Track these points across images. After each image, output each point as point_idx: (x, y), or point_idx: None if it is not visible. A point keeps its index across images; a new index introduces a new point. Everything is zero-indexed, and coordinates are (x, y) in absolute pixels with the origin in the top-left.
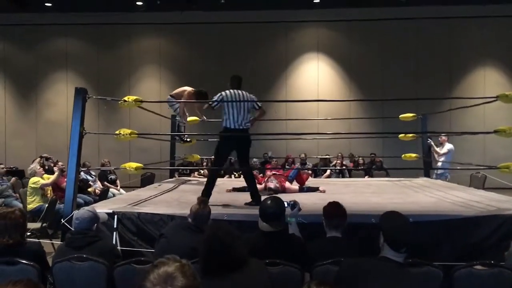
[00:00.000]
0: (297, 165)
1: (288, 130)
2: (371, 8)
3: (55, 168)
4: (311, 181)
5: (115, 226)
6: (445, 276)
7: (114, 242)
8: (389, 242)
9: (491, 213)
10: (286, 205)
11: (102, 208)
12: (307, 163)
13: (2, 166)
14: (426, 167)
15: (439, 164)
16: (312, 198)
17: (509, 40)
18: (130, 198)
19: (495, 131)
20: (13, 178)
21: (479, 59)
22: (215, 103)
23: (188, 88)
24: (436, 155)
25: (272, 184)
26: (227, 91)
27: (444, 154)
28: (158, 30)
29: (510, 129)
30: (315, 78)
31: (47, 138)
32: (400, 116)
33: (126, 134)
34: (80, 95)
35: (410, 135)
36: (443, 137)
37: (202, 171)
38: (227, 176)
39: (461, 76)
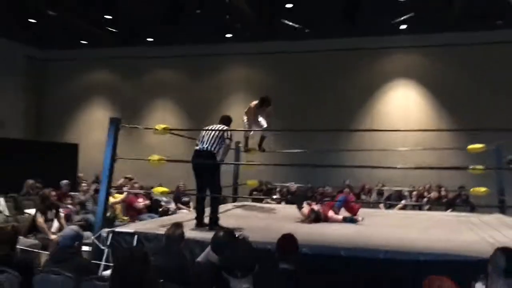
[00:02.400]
0: (374, 195)
1: (373, 157)
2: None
3: (124, 188)
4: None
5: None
6: None
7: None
8: None
9: None
10: None
11: (130, 228)
12: (384, 193)
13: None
14: (501, 204)
15: None
16: (336, 229)
17: None
18: (171, 220)
19: None
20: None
21: None
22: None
23: (253, 102)
24: None
25: (316, 207)
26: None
27: None
28: (245, 60)
29: None
30: (402, 105)
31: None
32: (468, 147)
33: (155, 160)
34: (114, 123)
35: (479, 167)
36: None
37: (275, 197)
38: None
39: None
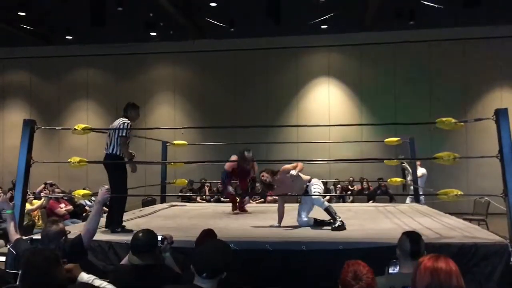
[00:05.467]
0: None
1: (300, 153)
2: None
3: (42, 194)
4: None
5: None
6: None
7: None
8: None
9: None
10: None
11: None
12: None
13: None
14: (416, 193)
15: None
16: (262, 225)
17: None
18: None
19: None
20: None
21: None
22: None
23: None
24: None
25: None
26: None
27: (419, 177)
28: (172, 58)
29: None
30: (326, 102)
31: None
32: (385, 140)
33: (75, 162)
34: (28, 125)
35: (395, 160)
36: (417, 162)
37: (204, 196)
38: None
39: None
